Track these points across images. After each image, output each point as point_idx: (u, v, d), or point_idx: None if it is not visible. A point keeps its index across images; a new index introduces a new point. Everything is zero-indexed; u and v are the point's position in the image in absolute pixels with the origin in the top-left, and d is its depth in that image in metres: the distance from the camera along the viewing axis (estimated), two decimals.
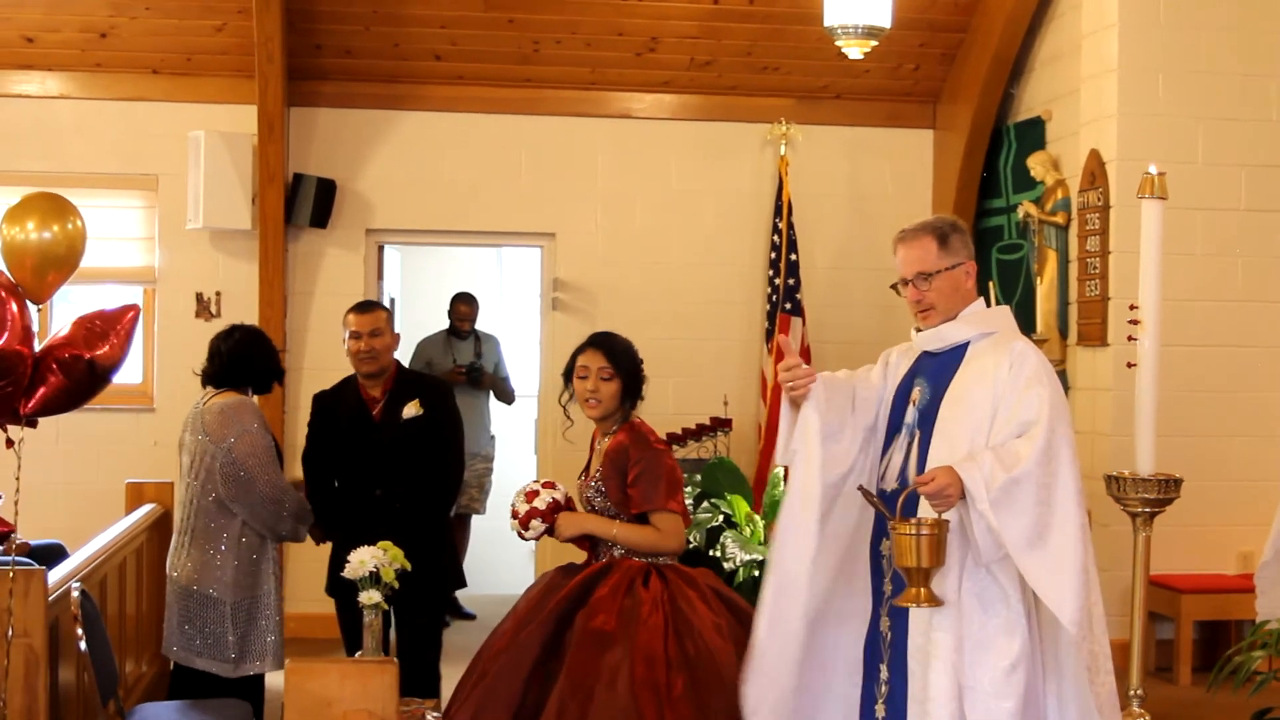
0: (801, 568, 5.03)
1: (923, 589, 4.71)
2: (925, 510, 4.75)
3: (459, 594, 11.52)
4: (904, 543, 4.69)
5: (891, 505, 4.83)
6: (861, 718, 5.10)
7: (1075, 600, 4.61)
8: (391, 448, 7.27)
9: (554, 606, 5.87)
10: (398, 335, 7.49)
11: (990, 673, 4.73)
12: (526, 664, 5.73)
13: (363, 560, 5.79)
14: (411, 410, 7.28)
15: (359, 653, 5.72)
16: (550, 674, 5.70)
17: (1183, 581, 9.55)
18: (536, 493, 6.18)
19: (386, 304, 11.55)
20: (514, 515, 6.22)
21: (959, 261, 5.06)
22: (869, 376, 5.36)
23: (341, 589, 6.55)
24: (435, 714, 5.62)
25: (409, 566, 5.99)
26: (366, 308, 7.49)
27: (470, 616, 11.22)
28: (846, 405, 5.22)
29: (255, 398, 7.28)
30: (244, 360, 7.17)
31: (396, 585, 5.87)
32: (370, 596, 5.73)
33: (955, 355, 5.03)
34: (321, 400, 7.58)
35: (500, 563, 12.28)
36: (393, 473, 7.27)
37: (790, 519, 5.13)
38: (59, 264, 8.24)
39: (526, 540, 6.32)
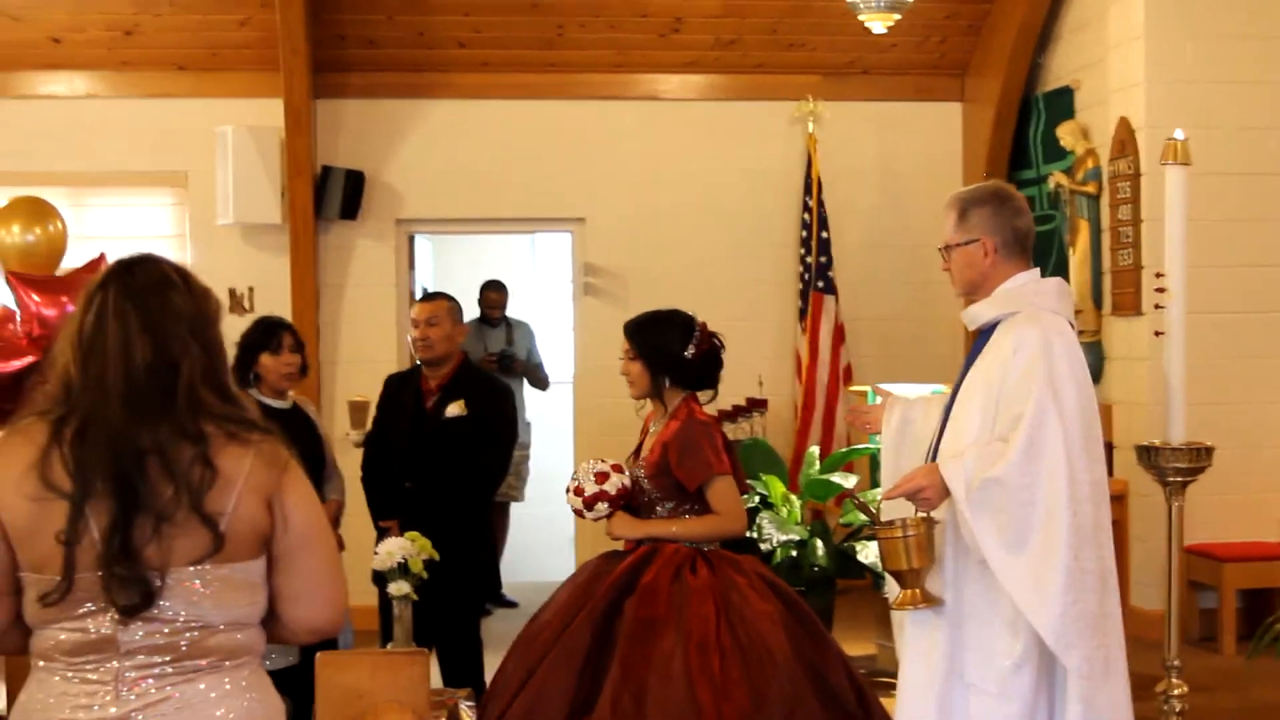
0: None
1: (916, 590, 4.66)
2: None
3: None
4: (888, 546, 4.66)
5: None
6: None
7: (1053, 608, 4.50)
8: (430, 442, 7.32)
9: (601, 596, 5.84)
10: (462, 328, 7.51)
11: (995, 672, 4.65)
12: (578, 658, 5.69)
13: (390, 552, 5.79)
14: (455, 410, 7.31)
15: (390, 644, 5.74)
16: (602, 666, 5.68)
17: (1224, 550, 9.48)
18: (607, 475, 6.10)
19: (418, 294, 11.56)
20: (578, 492, 6.14)
21: (973, 238, 4.90)
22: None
23: (380, 579, 6.55)
24: (469, 704, 5.61)
25: (437, 557, 5.98)
26: (428, 297, 7.64)
27: (512, 604, 11.21)
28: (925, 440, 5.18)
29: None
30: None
31: (425, 576, 5.86)
32: (399, 588, 5.73)
33: (987, 337, 4.94)
34: (389, 384, 7.74)
35: (541, 549, 12.30)
36: (426, 468, 7.31)
37: None
38: (41, 265, 8.38)
39: (585, 518, 6.26)
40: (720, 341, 6.26)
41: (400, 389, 7.65)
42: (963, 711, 4.69)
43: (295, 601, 3.30)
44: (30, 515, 3.11)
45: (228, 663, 3.22)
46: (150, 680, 3.16)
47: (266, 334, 7.10)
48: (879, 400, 5.45)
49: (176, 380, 3.17)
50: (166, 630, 3.15)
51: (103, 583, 3.07)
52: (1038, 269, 5.01)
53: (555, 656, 5.76)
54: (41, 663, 3.20)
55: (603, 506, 6.07)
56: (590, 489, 6.07)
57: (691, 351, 6.14)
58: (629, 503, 6.11)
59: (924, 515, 4.66)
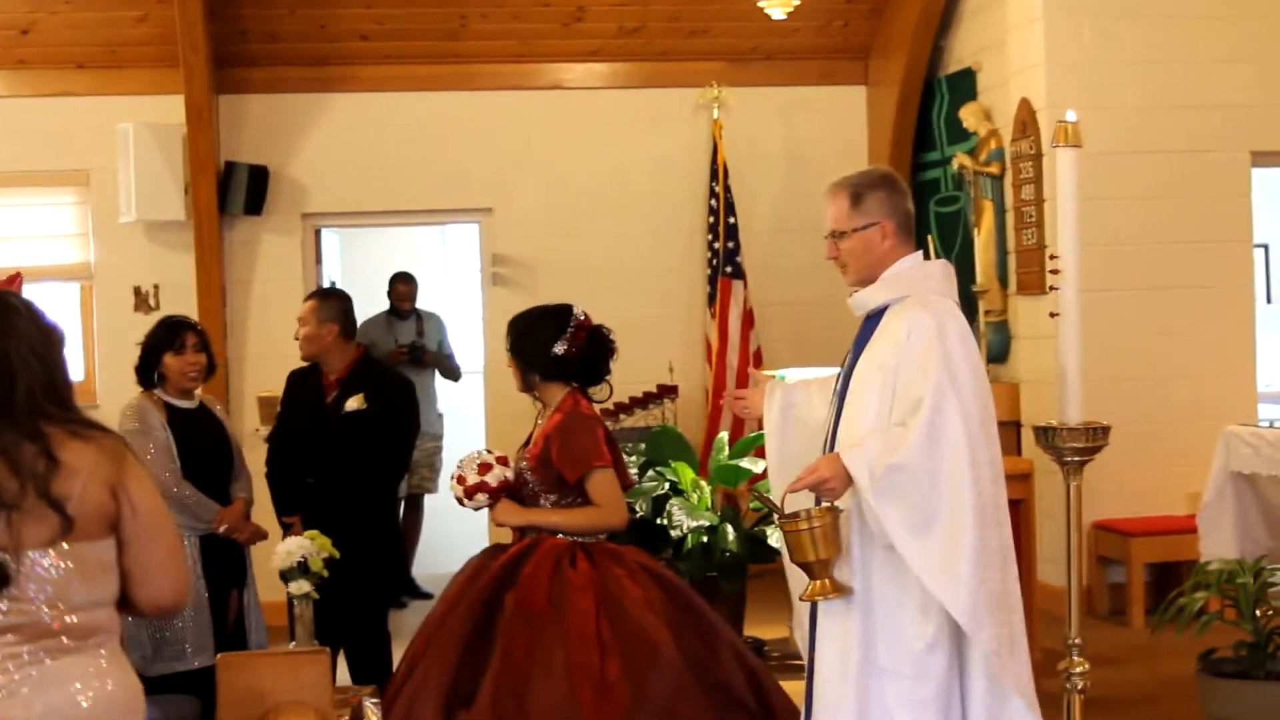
0: None
1: (826, 580, 4.66)
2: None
3: (415, 574, 11.52)
4: (793, 539, 4.64)
5: None
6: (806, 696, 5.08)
7: (964, 589, 4.52)
8: (330, 437, 7.31)
9: (481, 588, 5.84)
10: (329, 327, 7.45)
11: (908, 655, 4.65)
12: (457, 649, 5.68)
13: (290, 550, 5.76)
14: (354, 404, 7.32)
15: (292, 643, 5.72)
16: (482, 658, 5.66)
17: (1132, 525, 9.58)
18: (490, 466, 6.10)
19: (334, 287, 11.51)
20: (460, 481, 6.14)
21: (871, 222, 4.90)
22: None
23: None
24: (373, 701, 5.59)
25: (337, 555, 5.96)
26: (308, 297, 7.70)
27: (428, 596, 11.18)
28: (812, 427, 5.21)
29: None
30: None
31: (326, 574, 5.83)
32: (300, 586, 5.70)
33: (876, 321, 4.93)
34: (291, 380, 7.72)
35: (456, 540, 12.23)
36: (327, 462, 7.30)
37: None
38: None
39: (465, 507, 6.26)
40: (608, 335, 6.25)
41: (302, 384, 7.64)
42: (879, 696, 4.69)
43: (142, 583, 3.63)
44: None
45: (87, 642, 3.52)
46: (13, 658, 3.42)
47: (170, 334, 7.02)
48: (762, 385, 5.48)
49: (15, 391, 3.53)
50: (27, 609, 3.42)
51: None
52: (920, 252, 5.04)
53: (434, 648, 5.76)
54: None
55: (482, 497, 6.07)
56: (472, 479, 6.07)
57: (563, 349, 6.12)
58: (515, 494, 6.11)
59: (828, 505, 4.65)
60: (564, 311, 6.22)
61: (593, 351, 6.20)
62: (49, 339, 3.73)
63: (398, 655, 7.17)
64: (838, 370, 5.13)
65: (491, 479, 6.06)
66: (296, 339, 7.51)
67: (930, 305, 4.74)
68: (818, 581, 4.66)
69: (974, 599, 4.53)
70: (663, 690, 5.52)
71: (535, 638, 5.62)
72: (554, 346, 6.09)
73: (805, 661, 5.07)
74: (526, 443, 6.24)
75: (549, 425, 6.08)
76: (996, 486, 4.67)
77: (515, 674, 5.56)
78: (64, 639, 3.49)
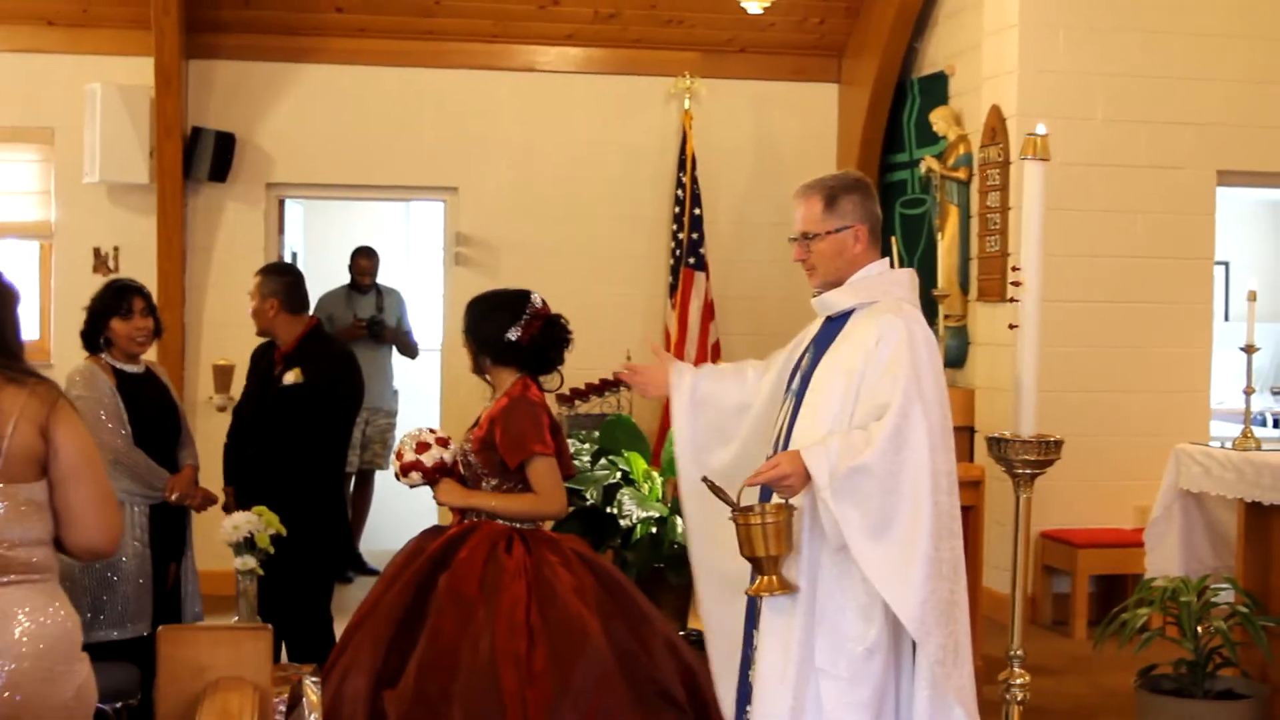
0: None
1: (773, 577, 4.64)
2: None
3: (363, 550, 11.51)
4: (745, 532, 4.63)
5: None
6: (739, 688, 5.08)
7: (915, 596, 4.52)
8: (269, 410, 7.36)
9: (417, 569, 5.83)
10: (271, 303, 7.48)
11: (846, 658, 4.65)
12: (388, 629, 5.67)
13: (237, 526, 5.73)
14: (291, 378, 7.36)
15: (234, 618, 5.70)
16: (412, 638, 5.66)
17: (1079, 536, 9.62)
18: (428, 445, 6.10)
19: (286, 259, 11.46)
20: (398, 456, 6.15)
21: (845, 225, 4.92)
22: (770, 361, 5.33)
23: None
24: (313, 679, 5.57)
25: (284, 532, 5.93)
26: (257, 272, 7.70)
27: (374, 572, 11.17)
28: (728, 394, 5.25)
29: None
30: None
31: (272, 550, 5.81)
32: (245, 562, 5.67)
33: (841, 323, 4.94)
34: (254, 353, 7.79)
35: (407, 517, 12.21)
36: (264, 435, 7.36)
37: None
38: None
39: (401, 483, 6.26)
40: (564, 325, 6.24)
41: (260, 358, 7.70)
42: (815, 696, 4.69)
43: (70, 526, 3.92)
44: None
45: (27, 578, 3.82)
46: None
47: (116, 298, 6.95)
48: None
49: None
50: None
51: None
52: (887, 259, 5.05)
53: (367, 627, 5.75)
54: None
55: (416, 475, 6.06)
56: (409, 456, 6.07)
57: (516, 335, 6.10)
58: (458, 476, 6.10)
59: (783, 502, 4.65)
60: (521, 298, 6.19)
61: (546, 340, 6.18)
62: (2, 298, 4.04)
63: (337, 628, 7.21)
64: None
65: (427, 459, 6.06)
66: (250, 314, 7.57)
67: (903, 313, 4.75)
68: (765, 577, 4.65)
69: (924, 607, 4.53)
70: (588, 680, 5.50)
71: (464, 621, 5.61)
72: (508, 332, 6.07)
73: (740, 656, 5.08)
74: (475, 424, 6.23)
75: (495, 409, 6.07)
76: (952, 498, 4.68)
77: (442, 656, 5.55)
78: (6, 575, 3.78)
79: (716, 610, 5.32)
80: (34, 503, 3.84)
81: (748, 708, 4.93)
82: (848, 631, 4.66)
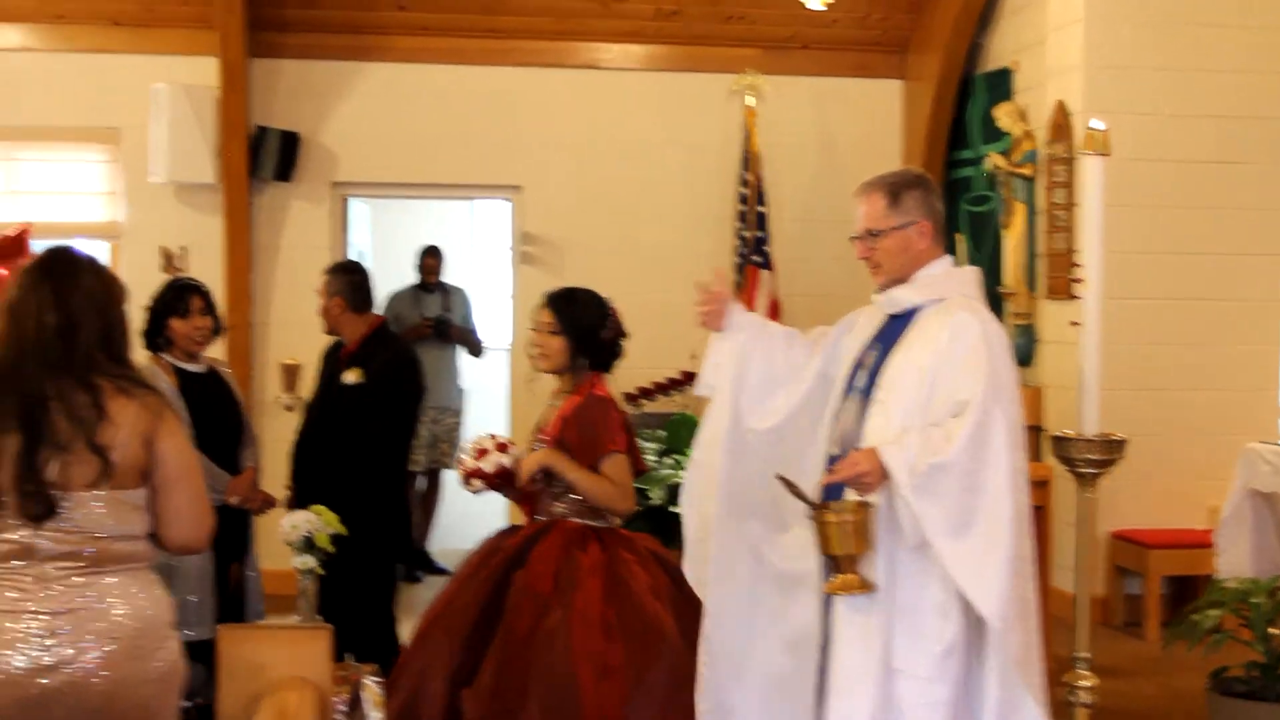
0: (705, 508, 5.10)
1: (851, 575, 4.61)
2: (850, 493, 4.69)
3: (432, 549, 11.52)
4: (825, 530, 4.60)
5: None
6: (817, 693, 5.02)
7: (998, 594, 4.48)
8: (330, 409, 7.35)
9: (493, 568, 5.85)
10: (336, 301, 7.52)
11: (924, 657, 4.62)
12: (464, 628, 5.70)
13: (296, 525, 5.73)
14: (351, 378, 7.36)
15: (295, 617, 5.71)
16: (488, 637, 5.68)
17: (1151, 537, 9.52)
18: (487, 451, 6.11)
19: (355, 258, 11.49)
20: (459, 464, 6.21)
21: (910, 221, 4.89)
22: (817, 336, 5.29)
23: None
24: (374, 679, 5.57)
25: (345, 532, 5.92)
26: (324, 270, 7.69)
27: (444, 571, 11.19)
28: (779, 357, 5.18)
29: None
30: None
31: (332, 550, 5.81)
32: (305, 561, 5.67)
33: (905, 320, 4.90)
34: (326, 350, 7.79)
35: (475, 516, 12.22)
36: (326, 435, 7.36)
37: (696, 460, 5.16)
38: None
39: (467, 491, 6.26)
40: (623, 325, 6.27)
41: (329, 357, 7.71)
42: (894, 696, 4.66)
43: (168, 525, 4.22)
44: None
45: (123, 567, 4.12)
46: (65, 579, 4.05)
47: (175, 297, 6.97)
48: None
49: (76, 344, 4.09)
50: (73, 539, 4.05)
51: (16, 497, 4.00)
52: (951, 256, 5.01)
53: (443, 627, 5.78)
54: None
55: (478, 482, 6.09)
56: (470, 463, 6.08)
57: (607, 332, 6.14)
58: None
59: (861, 500, 4.62)
60: (600, 297, 6.22)
61: (620, 339, 6.21)
62: (111, 295, 4.24)
63: (403, 628, 7.21)
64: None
65: (488, 465, 6.07)
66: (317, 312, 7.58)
67: (976, 311, 4.73)
68: (844, 576, 4.62)
69: (1006, 605, 4.50)
70: (664, 678, 5.51)
71: (539, 618, 5.62)
72: (602, 329, 6.11)
73: (815, 655, 5.03)
74: (541, 426, 6.22)
75: (567, 408, 6.07)
76: (1026, 496, 4.66)
77: (518, 653, 5.57)
78: (108, 565, 4.10)
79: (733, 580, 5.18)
80: (134, 506, 4.14)
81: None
82: (926, 630, 4.64)
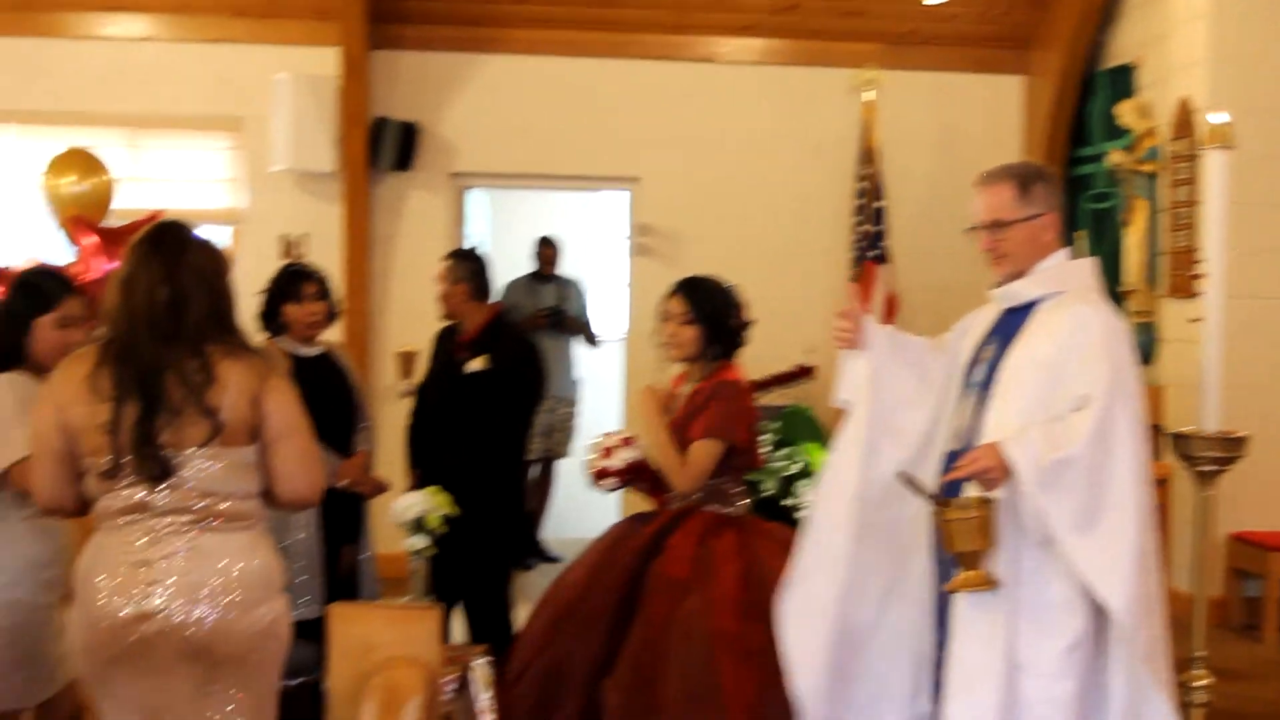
0: (837, 517, 5.05)
1: (975, 572, 4.58)
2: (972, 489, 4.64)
3: (545, 538, 11.56)
4: (948, 528, 4.56)
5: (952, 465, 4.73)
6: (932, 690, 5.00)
7: (1126, 589, 4.45)
8: (455, 396, 7.30)
9: (628, 558, 5.86)
10: (462, 287, 7.49)
11: (1050, 653, 4.60)
12: (603, 620, 5.73)
13: (409, 505, 5.76)
14: (477, 365, 7.34)
15: (406, 598, 5.74)
16: (625, 627, 5.69)
17: (1272, 539, 9.37)
18: (613, 450, 6.14)
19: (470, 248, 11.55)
20: (589, 467, 6.25)
21: (1038, 212, 4.86)
22: (940, 343, 5.26)
23: None
24: (484, 661, 5.60)
25: (457, 512, 5.94)
26: (447, 256, 7.68)
27: (555, 559, 11.25)
28: (914, 370, 5.14)
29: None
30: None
31: (444, 530, 5.82)
32: (416, 542, 5.70)
33: (1024, 314, 4.87)
34: (437, 337, 7.78)
35: (586, 506, 12.26)
36: (450, 421, 7.31)
37: (832, 473, 5.10)
38: (90, 213, 8.68)
39: (600, 490, 6.29)
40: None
41: (443, 343, 7.71)
42: (1019, 693, 4.65)
43: (279, 480, 4.44)
44: (85, 415, 4.30)
45: (234, 525, 4.36)
46: (176, 533, 4.29)
47: (289, 282, 7.00)
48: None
49: (186, 315, 4.31)
50: (185, 496, 4.29)
51: (135, 460, 4.25)
52: (1068, 249, 4.96)
53: (580, 619, 5.78)
54: (101, 524, 4.37)
55: (610, 480, 6.11)
56: (598, 464, 6.10)
57: (735, 321, 6.15)
58: (649, 473, 6.10)
59: (984, 496, 4.59)
60: (726, 284, 6.24)
61: (745, 325, 6.21)
62: (217, 267, 4.47)
63: (521, 617, 7.23)
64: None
65: (617, 461, 6.10)
66: (437, 299, 7.57)
67: (1096, 304, 4.71)
68: (969, 573, 4.59)
69: (1133, 600, 4.48)
70: None
71: (676, 604, 5.63)
72: (734, 316, 6.11)
73: (931, 649, 5.00)
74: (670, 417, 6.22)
75: (697, 391, 6.09)
76: (1150, 489, 4.63)
77: (656, 640, 5.60)
78: (217, 521, 4.33)
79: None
80: (246, 464, 4.38)
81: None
82: (1050, 626, 4.62)
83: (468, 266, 7.58)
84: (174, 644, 4.29)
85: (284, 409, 4.42)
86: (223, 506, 4.35)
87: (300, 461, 4.47)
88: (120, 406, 4.28)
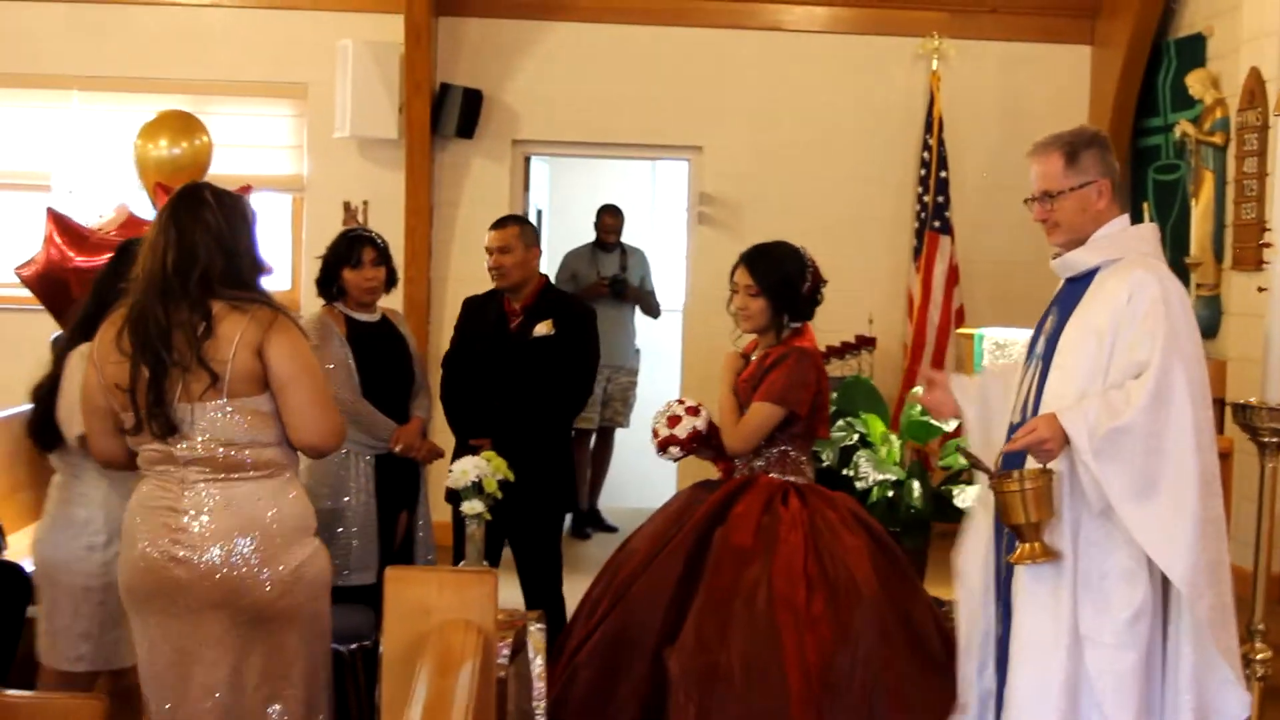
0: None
1: (1037, 544, 4.57)
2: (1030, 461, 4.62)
3: (603, 507, 11.57)
4: (1006, 500, 4.56)
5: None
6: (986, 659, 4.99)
7: (1187, 557, 4.43)
8: (518, 363, 7.26)
9: (693, 525, 5.88)
10: (534, 252, 7.41)
11: (1112, 624, 4.57)
12: (668, 588, 5.76)
13: (465, 470, 5.75)
14: (543, 329, 7.26)
15: (462, 562, 5.74)
16: (690, 595, 5.70)
17: None
18: (679, 419, 6.13)
19: (532, 216, 11.54)
20: (654, 435, 6.23)
21: (1088, 180, 4.83)
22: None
23: (455, 497, 6.48)
24: (538, 626, 5.61)
25: (512, 477, 5.93)
26: (500, 224, 7.50)
27: (612, 529, 11.27)
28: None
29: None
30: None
31: (499, 495, 5.82)
32: (473, 507, 5.70)
33: (1085, 283, 4.84)
34: (469, 306, 7.66)
35: (644, 476, 12.27)
36: (515, 388, 7.25)
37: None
38: (186, 177, 8.67)
39: (664, 459, 6.29)
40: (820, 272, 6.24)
41: (481, 310, 7.55)
42: (1082, 664, 4.64)
43: (291, 428, 4.65)
44: (115, 373, 4.60)
45: (260, 471, 4.62)
46: (203, 482, 4.58)
47: (348, 248, 7.00)
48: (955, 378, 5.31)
49: (192, 274, 4.55)
50: (204, 447, 4.56)
51: (146, 416, 4.54)
52: (1127, 215, 4.92)
53: (645, 585, 5.80)
54: (143, 474, 4.69)
55: (675, 450, 6.11)
56: (664, 432, 6.10)
57: (808, 285, 6.12)
58: (715, 440, 6.11)
59: (1042, 467, 4.57)
60: (796, 248, 6.21)
61: (819, 287, 6.19)
62: (234, 227, 4.66)
63: (570, 583, 7.23)
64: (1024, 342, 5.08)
65: (681, 431, 6.10)
66: (491, 268, 7.37)
67: (1154, 269, 4.66)
68: (1028, 545, 4.58)
69: (1195, 568, 4.46)
70: (867, 632, 5.53)
71: (741, 571, 5.65)
72: (803, 284, 6.09)
73: (995, 626, 4.97)
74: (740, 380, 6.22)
75: (770, 357, 6.12)
76: (1213, 455, 4.61)
77: (720, 607, 5.61)
78: (242, 470, 4.58)
79: None
80: (259, 412, 4.59)
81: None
82: (1112, 597, 4.60)
83: (534, 232, 7.55)
84: (204, 588, 4.53)
85: (286, 358, 4.58)
86: (245, 455, 4.58)
87: (307, 409, 4.63)
88: (135, 365, 4.55)
